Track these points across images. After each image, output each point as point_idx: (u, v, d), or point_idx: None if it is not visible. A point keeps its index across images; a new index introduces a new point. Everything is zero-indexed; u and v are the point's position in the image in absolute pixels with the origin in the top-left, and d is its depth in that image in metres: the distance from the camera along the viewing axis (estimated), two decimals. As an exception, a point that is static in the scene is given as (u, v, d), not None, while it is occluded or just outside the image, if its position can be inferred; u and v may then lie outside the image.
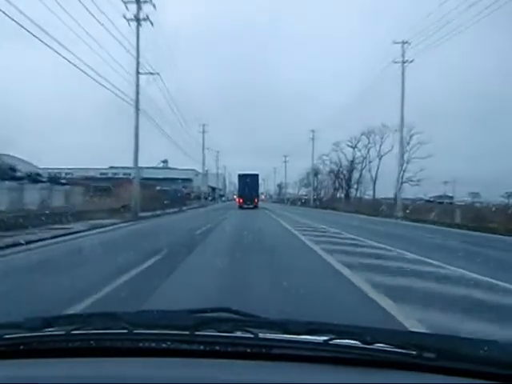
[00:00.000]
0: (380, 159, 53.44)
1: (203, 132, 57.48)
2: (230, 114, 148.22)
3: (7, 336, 1.26)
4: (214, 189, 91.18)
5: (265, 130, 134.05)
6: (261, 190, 65.20)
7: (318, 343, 1.17)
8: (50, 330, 1.29)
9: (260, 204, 48.55)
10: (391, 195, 50.90)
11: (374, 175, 55.50)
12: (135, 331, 1.25)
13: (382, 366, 1.11)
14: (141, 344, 1.22)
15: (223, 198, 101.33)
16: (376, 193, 55.24)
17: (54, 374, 1.10)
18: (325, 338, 1.18)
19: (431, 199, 50.06)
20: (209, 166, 76.52)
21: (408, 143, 50.14)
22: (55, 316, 1.40)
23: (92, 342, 1.23)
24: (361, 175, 57.97)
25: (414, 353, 1.11)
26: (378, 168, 53.56)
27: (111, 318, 1.34)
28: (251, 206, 42.92)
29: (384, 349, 1.14)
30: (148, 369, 1.13)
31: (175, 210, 32.10)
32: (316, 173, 69.69)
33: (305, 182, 76.39)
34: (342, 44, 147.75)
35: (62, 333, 1.26)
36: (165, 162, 69.87)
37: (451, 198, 54.72)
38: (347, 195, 58.00)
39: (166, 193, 42.38)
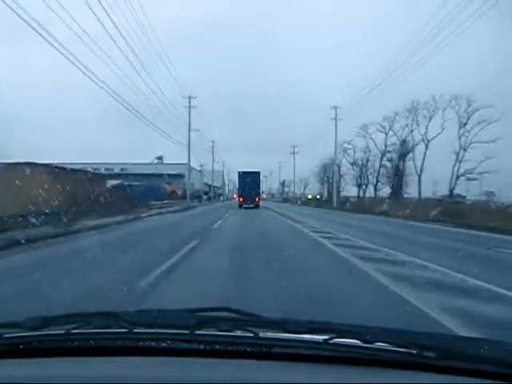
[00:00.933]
0: (427, 145, 39.00)
1: (189, 107, 43.63)
2: (230, 111, 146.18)
3: (7, 335, 1.26)
4: (212, 187, 77.69)
5: (266, 128, 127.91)
6: (262, 188, 59.39)
7: (319, 342, 1.17)
8: (49, 329, 1.29)
9: (261, 204, 46.03)
10: (439, 192, 37.08)
11: (416, 166, 41.85)
12: (135, 330, 1.25)
13: (383, 365, 1.12)
14: (141, 343, 1.22)
15: (221, 197, 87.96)
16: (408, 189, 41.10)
17: (54, 374, 1.11)
18: (325, 337, 1.18)
19: (440, 198, 40.62)
20: (204, 162, 62.77)
21: (465, 123, 36.18)
22: (55, 315, 1.38)
23: (92, 341, 1.23)
24: (404, 166, 43.49)
25: (415, 352, 1.12)
26: (424, 157, 39.19)
27: (111, 318, 1.32)
28: (252, 206, 41.00)
29: (384, 348, 1.14)
30: (148, 368, 1.13)
31: (119, 218, 18.36)
32: (337, 165, 55.33)
33: (320, 176, 61.64)
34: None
35: (62, 332, 1.26)
36: (160, 158, 64.97)
37: (463, 197, 44.19)
38: (395, 193, 42.87)
39: (127, 190, 28.57)
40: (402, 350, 1.14)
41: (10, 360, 1.20)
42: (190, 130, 45.87)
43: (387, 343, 1.16)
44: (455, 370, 1.09)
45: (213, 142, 68.49)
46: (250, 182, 42.17)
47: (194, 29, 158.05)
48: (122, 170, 53.40)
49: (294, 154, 69.57)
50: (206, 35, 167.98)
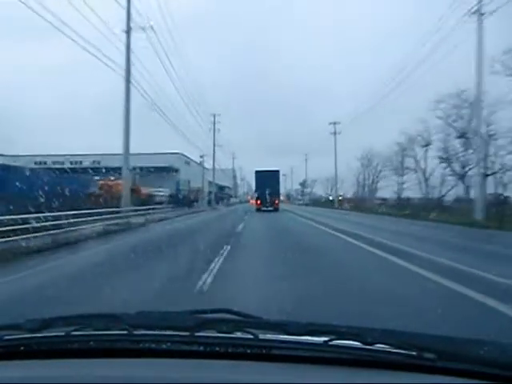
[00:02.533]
0: None
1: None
2: (244, 111, 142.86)
3: (7, 337, 1.29)
4: (222, 188, 59.02)
5: (282, 128, 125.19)
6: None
7: (318, 344, 1.19)
8: (49, 331, 1.31)
9: (286, 207, 43.32)
10: None
11: None
12: (135, 332, 1.27)
13: (383, 367, 1.14)
14: (141, 345, 1.25)
15: (232, 200, 68.60)
16: None
17: (54, 375, 1.13)
18: (325, 338, 1.20)
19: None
20: (207, 151, 44.31)
21: None
22: (55, 317, 1.39)
23: (92, 343, 1.26)
24: None
25: (415, 353, 1.14)
26: None
27: (111, 319, 1.36)
28: (271, 209, 37.41)
29: (384, 349, 1.17)
30: (148, 370, 1.16)
31: None
32: (427, 143, 35.32)
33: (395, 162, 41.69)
34: None
35: (62, 334, 1.29)
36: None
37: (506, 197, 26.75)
38: None
39: None
40: (401, 351, 1.15)
41: (11, 362, 1.24)
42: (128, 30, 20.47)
43: (387, 345, 1.18)
44: (455, 372, 1.12)
45: (214, 115, 49.98)
46: (268, 182, 37.93)
47: (207, 26, 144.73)
48: (93, 162, 42.62)
49: (335, 133, 50.82)
50: (221, 32, 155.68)
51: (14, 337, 1.27)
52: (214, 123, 50.16)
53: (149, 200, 30.28)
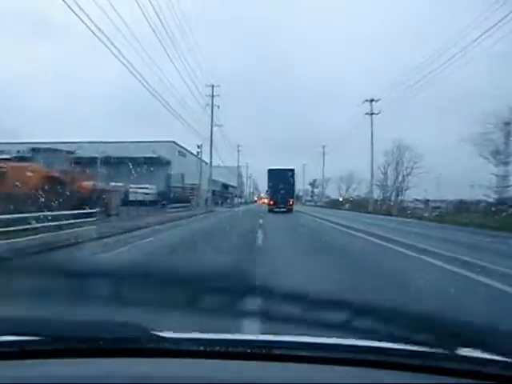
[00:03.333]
0: None
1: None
2: (251, 109, 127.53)
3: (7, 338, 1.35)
4: (226, 186, 51.74)
5: (291, 125, 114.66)
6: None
7: (319, 343, 1.21)
8: (49, 331, 1.35)
9: (300, 209, 41.18)
10: None
11: None
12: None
13: (385, 367, 1.15)
14: (141, 345, 1.25)
15: (236, 200, 61.48)
16: None
17: (54, 375, 1.13)
18: (325, 338, 1.21)
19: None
20: (206, 137, 36.56)
21: None
22: (55, 317, 1.38)
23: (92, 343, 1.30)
24: None
25: (417, 353, 1.15)
26: None
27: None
28: (284, 210, 35.45)
29: (386, 349, 1.18)
30: (148, 369, 1.15)
31: None
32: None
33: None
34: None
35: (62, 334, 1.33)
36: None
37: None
38: None
39: None
40: (403, 351, 1.16)
41: (11, 362, 1.22)
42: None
43: (387, 344, 1.21)
44: (455, 372, 1.11)
45: (212, 86, 39.38)
46: (281, 182, 36.25)
47: (214, 23, 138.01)
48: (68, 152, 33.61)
49: (371, 114, 41.34)
50: (228, 29, 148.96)
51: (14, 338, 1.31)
52: (212, 95, 38.87)
53: (104, 197, 18.57)
